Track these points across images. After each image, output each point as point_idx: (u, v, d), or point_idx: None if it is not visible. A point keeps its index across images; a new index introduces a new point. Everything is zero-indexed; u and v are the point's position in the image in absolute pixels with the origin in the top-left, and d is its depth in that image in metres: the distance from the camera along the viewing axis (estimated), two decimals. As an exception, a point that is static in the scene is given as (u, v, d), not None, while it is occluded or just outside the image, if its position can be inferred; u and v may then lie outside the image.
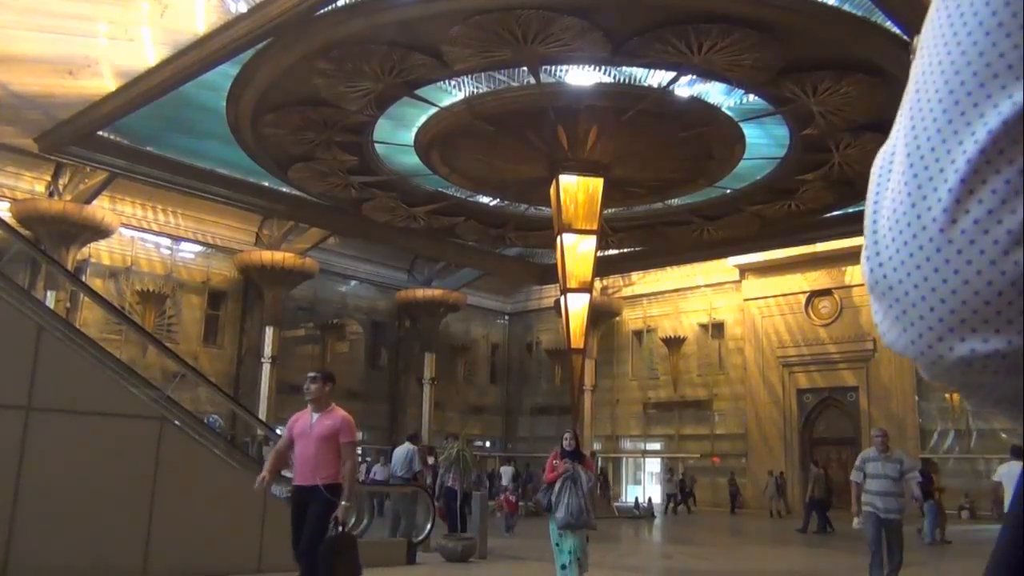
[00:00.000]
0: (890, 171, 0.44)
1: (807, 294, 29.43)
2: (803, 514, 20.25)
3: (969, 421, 25.84)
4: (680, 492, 26.97)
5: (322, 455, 5.84)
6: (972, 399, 0.48)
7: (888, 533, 8.08)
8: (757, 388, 30.10)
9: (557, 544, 7.84)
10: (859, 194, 20.02)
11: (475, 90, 16.20)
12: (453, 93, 16.33)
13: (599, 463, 26.75)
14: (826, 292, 29.13)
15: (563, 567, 7.77)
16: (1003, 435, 25.42)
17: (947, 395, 26.43)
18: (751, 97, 15.84)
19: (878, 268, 0.42)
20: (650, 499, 27.68)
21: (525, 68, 15.16)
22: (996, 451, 25.59)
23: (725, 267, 30.82)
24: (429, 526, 11.57)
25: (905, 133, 0.42)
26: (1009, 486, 10.63)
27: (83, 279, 24.06)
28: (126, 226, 25.88)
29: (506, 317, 39.17)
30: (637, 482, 33.00)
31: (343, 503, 5.77)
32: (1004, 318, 0.38)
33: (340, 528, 5.74)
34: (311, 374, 6.31)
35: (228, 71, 15.05)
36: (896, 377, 27.19)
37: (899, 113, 0.44)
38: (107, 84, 15.96)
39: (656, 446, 32.83)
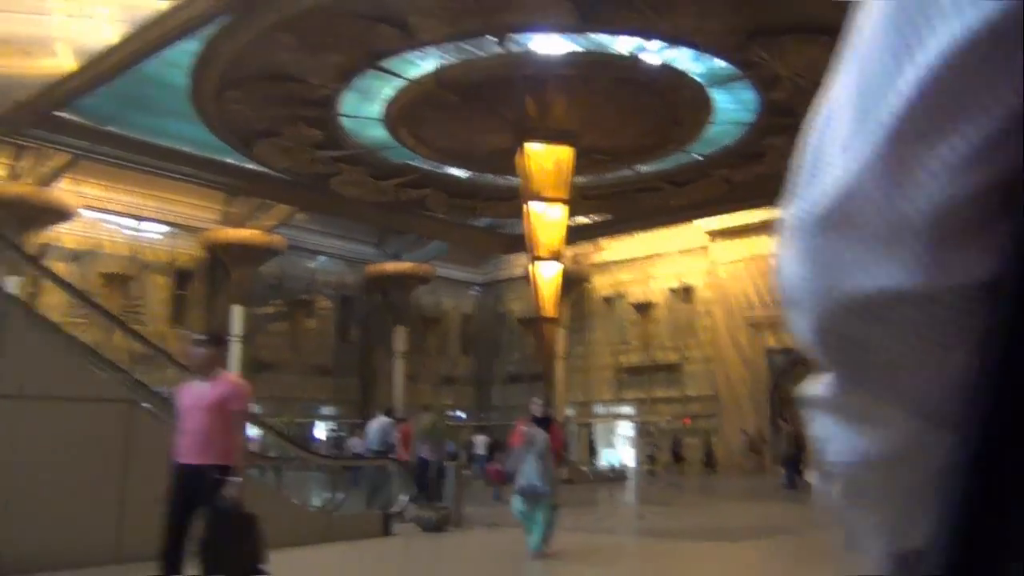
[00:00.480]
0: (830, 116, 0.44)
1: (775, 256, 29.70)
2: (788, 471, 20.47)
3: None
4: (673, 454, 26.52)
5: (213, 429, 5.12)
6: (847, 375, 0.46)
7: None
8: (727, 350, 30.47)
9: (521, 511, 7.62)
10: (825, 156, 20.23)
11: (442, 61, 16.03)
12: (420, 65, 16.14)
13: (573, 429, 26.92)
14: (793, 254, 29.43)
15: (528, 531, 7.62)
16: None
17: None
18: (719, 62, 15.85)
19: (816, 201, 0.43)
20: (623, 462, 28.03)
21: (492, 38, 15.02)
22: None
23: (694, 231, 31.00)
24: (404, 498, 11.62)
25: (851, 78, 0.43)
26: None
27: (45, 263, 23.63)
28: (88, 208, 25.40)
29: (477, 288, 39.16)
30: (610, 446, 33.36)
31: (233, 479, 5.07)
32: (914, 250, 0.37)
33: (226, 512, 5.03)
34: (195, 337, 5.64)
35: (189, 47, 14.74)
36: (863, 335, 27.66)
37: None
38: (65, 63, 15.56)
39: (629, 410, 33.16)
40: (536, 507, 7.51)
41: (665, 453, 29.07)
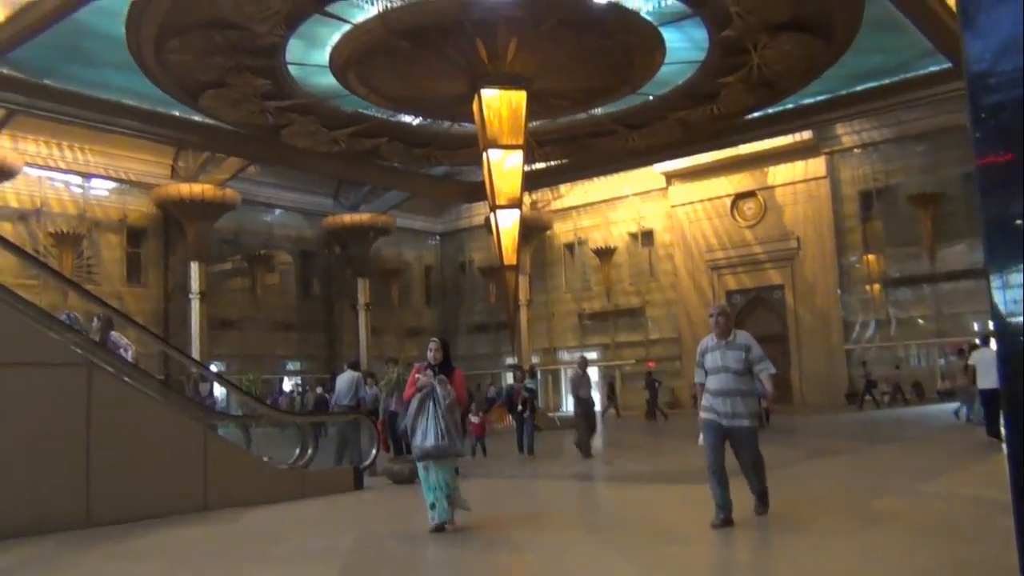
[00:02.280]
0: None
1: (732, 197, 29.94)
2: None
3: (888, 311, 26.93)
4: (651, 396, 25.16)
5: None
6: None
7: (735, 445, 6.35)
8: (688, 293, 30.78)
9: (424, 479, 6.58)
10: (778, 95, 20.27)
11: (388, 4, 15.64)
12: (366, 8, 15.74)
13: (538, 376, 26.91)
14: (750, 194, 29.69)
15: (432, 506, 6.49)
16: (920, 322, 26.63)
17: (867, 287, 27.45)
18: (669, 0, 15.67)
19: None
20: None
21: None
22: (915, 338, 26.85)
23: (652, 174, 31.06)
24: (374, 451, 11.66)
25: None
26: (982, 369, 11.61)
27: (-9, 225, 23.01)
28: (31, 165, 24.69)
29: (437, 238, 38.98)
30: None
31: None
32: None
33: None
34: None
35: (125, -5, 14.22)
36: (820, 273, 28.09)
37: None
38: (-6, 15, 14.94)
39: (593, 355, 33.51)
40: (432, 470, 6.48)
41: (636, 396, 29.25)
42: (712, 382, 6.36)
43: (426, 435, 6.41)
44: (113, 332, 10.13)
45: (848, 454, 12.62)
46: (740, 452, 6.38)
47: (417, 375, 6.63)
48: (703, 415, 6.38)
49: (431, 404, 6.47)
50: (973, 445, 12.19)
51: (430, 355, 6.73)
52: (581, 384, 14.34)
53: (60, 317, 9.39)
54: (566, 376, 34.77)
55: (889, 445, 14.12)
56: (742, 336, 6.43)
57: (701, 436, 6.39)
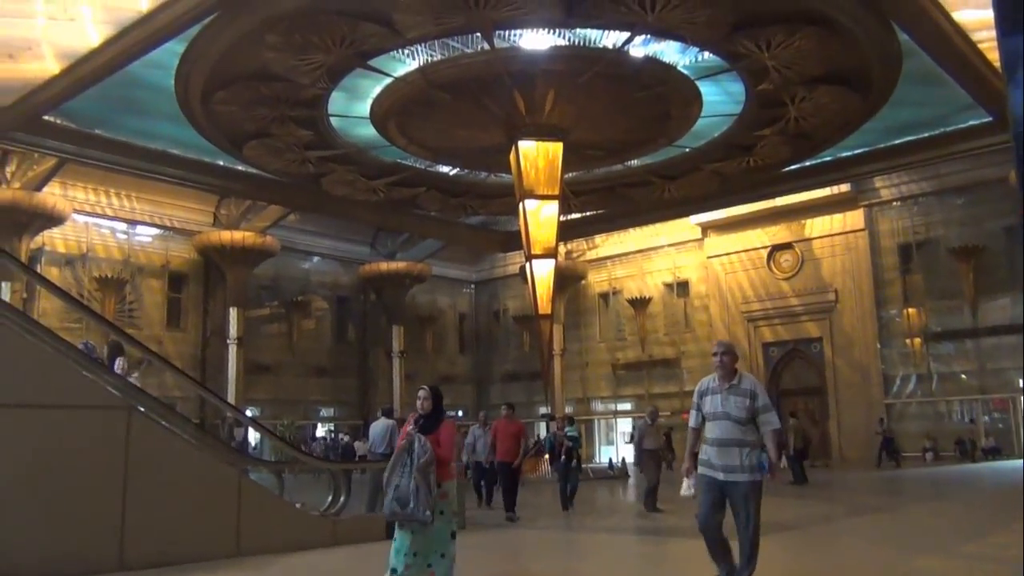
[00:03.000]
0: None
1: (768, 248, 29.76)
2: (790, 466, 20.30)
3: (930, 365, 26.41)
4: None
5: None
6: None
7: (734, 504, 5.54)
8: (723, 344, 30.44)
9: (394, 542, 5.79)
10: (816, 148, 20.23)
11: (429, 58, 15.97)
12: (407, 62, 16.08)
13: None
14: (787, 246, 29.49)
15: (392, 571, 5.64)
16: (963, 377, 26.07)
17: (908, 341, 26.98)
18: (706, 55, 15.81)
19: None
20: (623, 459, 27.96)
21: (479, 34, 14.97)
22: (957, 393, 26.26)
23: (687, 226, 31.02)
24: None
25: None
26: None
27: (38, 268, 23.59)
28: (79, 212, 25.37)
29: (472, 286, 39.14)
30: (610, 443, 33.33)
31: None
32: None
33: None
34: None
35: (175, 48, 14.66)
36: (858, 326, 27.69)
37: None
38: (50, 66, 15.47)
39: (627, 406, 33.17)
40: (401, 534, 5.72)
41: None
42: (710, 429, 5.69)
43: (395, 494, 5.67)
44: (119, 358, 10.38)
45: (888, 511, 12.31)
46: (738, 512, 5.54)
47: (409, 428, 5.98)
48: (700, 469, 5.70)
49: (406, 459, 5.76)
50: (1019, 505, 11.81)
51: (418, 404, 6.04)
52: (648, 434, 13.72)
53: (79, 346, 9.58)
54: (599, 427, 34.44)
55: (931, 503, 13.74)
56: (748, 380, 5.73)
57: (685, 485, 5.81)
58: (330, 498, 10.55)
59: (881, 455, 24.04)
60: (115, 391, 8.37)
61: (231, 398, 25.34)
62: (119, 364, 10.20)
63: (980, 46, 14.86)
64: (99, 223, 26.63)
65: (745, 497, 5.48)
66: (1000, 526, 9.84)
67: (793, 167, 22.04)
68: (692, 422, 5.88)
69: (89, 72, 15.18)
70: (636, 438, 14.13)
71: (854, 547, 8.57)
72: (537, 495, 15.58)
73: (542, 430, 31.65)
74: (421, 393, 6.10)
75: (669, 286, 32.54)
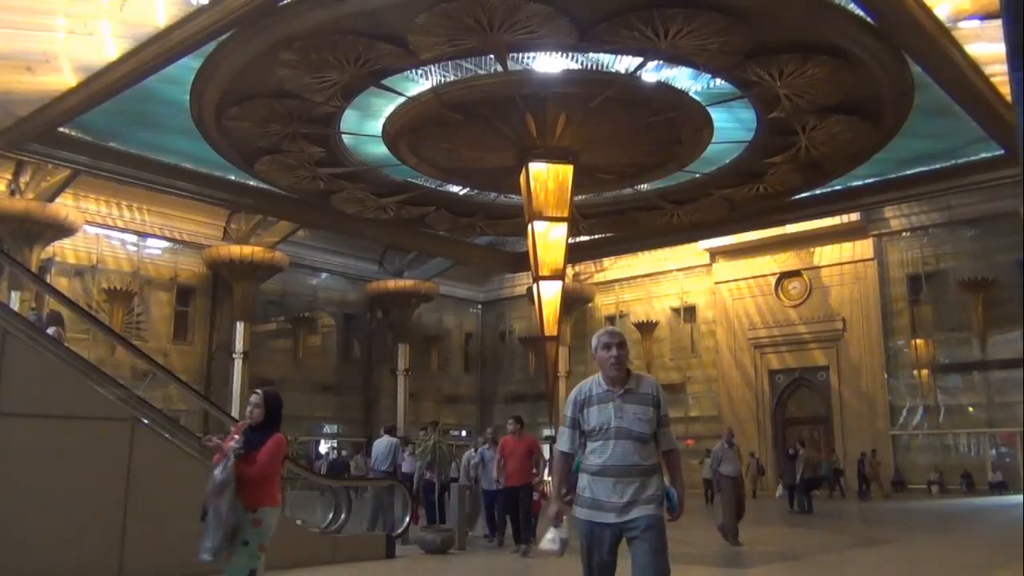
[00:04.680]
0: None
1: (777, 276, 29.72)
2: (799, 495, 20.18)
3: (937, 397, 26.24)
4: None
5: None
6: None
7: (635, 548, 3.92)
8: (729, 370, 30.36)
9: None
10: (826, 176, 20.24)
11: (442, 79, 16.06)
12: (420, 82, 16.18)
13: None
14: (795, 273, 29.45)
15: None
16: (970, 410, 25.89)
17: (915, 372, 26.84)
18: (718, 81, 15.87)
19: None
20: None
21: (492, 56, 15.07)
22: (964, 426, 26.08)
23: (696, 251, 31.02)
24: (407, 519, 11.55)
25: None
26: None
27: (48, 278, 23.69)
28: (91, 223, 25.51)
29: (479, 306, 39.15)
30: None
31: None
32: None
33: None
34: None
35: (190, 64, 14.81)
36: (865, 356, 27.56)
37: None
38: (67, 79, 15.64)
39: (631, 430, 33.04)
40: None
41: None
42: (596, 453, 4.00)
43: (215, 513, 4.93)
44: (53, 327, 10.62)
45: (895, 544, 12.18)
46: (640, 559, 3.87)
47: (234, 438, 5.08)
48: (580, 512, 4.01)
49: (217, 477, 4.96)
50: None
51: (248, 411, 5.15)
52: (726, 458, 12.48)
53: (28, 316, 9.78)
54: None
55: (939, 536, 13.61)
56: (648, 382, 4.18)
57: (551, 536, 4.12)
58: (331, 515, 10.53)
59: (835, 489, 24.45)
60: (121, 403, 8.38)
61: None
62: (53, 331, 10.39)
63: (993, 80, 14.89)
64: (110, 235, 26.77)
65: (653, 538, 3.87)
66: (1008, 561, 9.73)
67: (803, 195, 22.04)
68: (565, 444, 4.16)
69: (105, 86, 15.33)
70: (713, 462, 12.84)
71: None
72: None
73: (546, 451, 31.53)
74: (253, 399, 5.17)
75: (676, 311, 32.49)
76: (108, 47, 14.67)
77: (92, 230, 25.86)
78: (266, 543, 5.18)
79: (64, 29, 14.34)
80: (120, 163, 19.61)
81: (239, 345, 27.59)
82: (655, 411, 4.10)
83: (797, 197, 22.14)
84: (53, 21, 14.08)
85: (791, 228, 27.36)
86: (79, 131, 18.18)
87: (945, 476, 25.11)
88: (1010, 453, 25.21)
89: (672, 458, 4.27)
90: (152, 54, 14.26)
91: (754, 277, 30.28)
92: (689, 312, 32.22)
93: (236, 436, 5.13)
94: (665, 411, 4.18)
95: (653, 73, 15.90)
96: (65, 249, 25.35)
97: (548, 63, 15.85)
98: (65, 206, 23.47)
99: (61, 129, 17.70)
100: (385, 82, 15.67)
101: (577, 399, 4.16)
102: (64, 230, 23.56)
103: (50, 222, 22.78)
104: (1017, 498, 21.70)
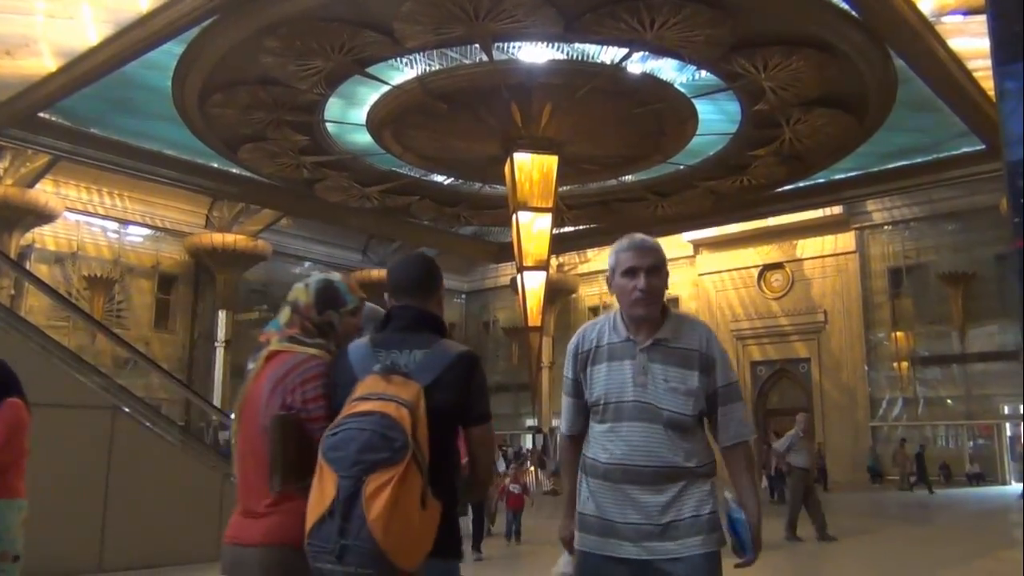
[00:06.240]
0: None
1: (759, 268, 29.87)
2: (776, 486, 20.35)
3: (917, 389, 26.50)
4: None
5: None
6: None
7: None
8: (712, 361, 30.51)
9: None
10: (809, 169, 20.34)
11: (427, 68, 16.00)
12: (405, 71, 16.10)
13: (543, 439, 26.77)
14: (778, 266, 29.61)
15: None
16: (949, 402, 26.16)
17: (895, 364, 27.08)
18: (703, 73, 15.89)
19: None
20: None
21: (477, 45, 15.02)
22: (943, 418, 26.36)
23: (679, 242, 31.08)
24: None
25: None
26: None
27: (27, 265, 23.46)
28: (71, 210, 25.25)
29: (463, 296, 39.13)
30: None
31: None
32: None
33: None
34: None
35: (173, 50, 14.64)
36: (847, 348, 27.78)
37: None
38: (47, 64, 15.43)
39: (614, 421, 33.17)
40: None
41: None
42: (603, 444, 2.58)
43: None
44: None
45: (873, 534, 12.31)
46: None
47: None
48: (582, 539, 2.60)
49: None
50: (1004, 530, 11.85)
51: None
52: (797, 447, 11.51)
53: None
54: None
55: (918, 527, 13.76)
56: (696, 330, 2.65)
57: (563, 563, 2.78)
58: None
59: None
60: (101, 391, 8.33)
61: (217, 401, 25.21)
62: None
63: (975, 75, 14.99)
64: (90, 222, 26.51)
65: None
66: (985, 551, 9.87)
67: (786, 188, 22.15)
68: (566, 425, 2.79)
69: (86, 71, 15.14)
70: (782, 451, 11.96)
71: (842, 570, 8.57)
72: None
73: (527, 442, 31.66)
74: None
75: (660, 302, 32.56)
76: (89, 31, 14.48)
77: (73, 217, 25.60)
78: (12, 550, 4.06)
79: (44, 13, 14.15)
80: (101, 149, 19.40)
81: (221, 334, 27.45)
82: (705, 378, 2.54)
83: (780, 190, 22.25)
84: (33, 4, 13.89)
85: (774, 221, 27.49)
86: (59, 116, 17.97)
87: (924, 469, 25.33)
88: (987, 445, 25.51)
89: (738, 457, 2.60)
90: (134, 39, 14.10)
91: (737, 269, 30.43)
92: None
93: None
94: (728, 378, 2.59)
95: (639, 64, 15.90)
96: (45, 236, 25.09)
97: (534, 53, 15.81)
98: (45, 192, 23.22)
99: (41, 114, 17.48)
100: (370, 70, 15.59)
101: (579, 350, 2.69)
102: (44, 217, 23.31)
103: (30, 208, 22.54)
104: (995, 489, 21.98)
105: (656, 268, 2.65)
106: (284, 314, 2.49)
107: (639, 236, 2.77)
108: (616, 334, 2.65)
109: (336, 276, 2.59)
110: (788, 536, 10.94)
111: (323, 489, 1.97)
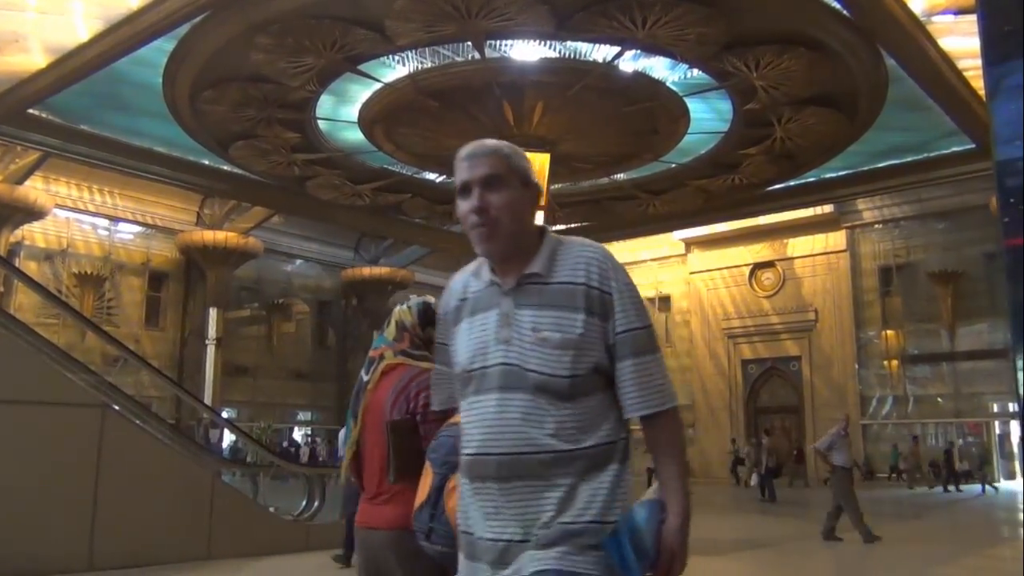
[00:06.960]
0: None
1: (751, 266, 29.95)
2: (767, 483, 20.50)
3: (906, 387, 26.61)
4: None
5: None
6: None
7: None
8: (703, 360, 30.60)
9: None
10: (800, 168, 20.39)
11: (419, 65, 15.97)
12: (397, 68, 16.08)
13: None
14: (769, 264, 29.70)
15: None
16: (939, 400, 26.28)
17: (885, 362, 27.19)
18: (695, 72, 15.90)
19: None
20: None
21: (470, 43, 15.00)
22: (932, 416, 26.48)
23: (671, 241, 31.18)
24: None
25: None
26: None
27: (16, 262, 23.35)
28: (61, 207, 25.14)
29: (454, 294, 39.13)
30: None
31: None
32: None
33: None
34: None
35: (164, 46, 14.58)
36: (837, 346, 27.88)
37: None
38: (36, 60, 15.35)
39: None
40: None
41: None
42: (467, 430, 1.91)
43: None
44: None
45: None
46: None
47: None
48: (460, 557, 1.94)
49: None
50: (993, 525, 11.90)
51: None
52: (839, 446, 11.30)
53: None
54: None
55: (907, 523, 13.81)
56: (579, 255, 2.00)
57: (651, 493, 1.89)
58: (304, 503, 10.50)
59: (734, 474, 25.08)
60: (90, 388, 8.30)
61: (208, 399, 25.14)
62: None
63: (966, 74, 15.05)
64: (80, 219, 26.41)
65: None
66: (973, 548, 9.91)
67: (777, 187, 22.19)
68: (435, 400, 2.26)
69: (76, 67, 15.05)
70: (823, 449, 11.67)
71: (825, 568, 8.60)
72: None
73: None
74: None
75: (651, 300, 32.61)
76: (79, 27, 14.41)
77: (62, 214, 25.49)
78: None
79: (35, 9, 14.08)
80: (91, 146, 19.29)
81: (212, 331, 27.38)
82: (598, 321, 1.87)
83: (772, 188, 22.29)
84: (24, 0, 13.81)
85: (765, 219, 27.57)
86: (49, 113, 17.86)
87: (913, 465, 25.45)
88: (977, 443, 25.63)
89: (657, 432, 1.97)
90: (124, 35, 14.02)
91: (728, 268, 30.51)
92: (664, 302, 32.39)
93: None
94: (633, 321, 1.93)
95: (631, 63, 15.90)
96: (35, 233, 24.97)
97: (526, 51, 15.80)
98: (35, 189, 23.11)
99: (31, 111, 17.37)
100: (361, 68, 15.55)
101: (446, 310, 2.09)
102: (33, 213, 23.20)
103: (19, 205, 22.44)
104: (981, 487, 22.07)
105: (495, 178, 1.93)
106: (390, 331, 2.99)
107: (480, 141, 2.05)
108: (479, 280, 1.99)
109: (432, 299, 2.98)
110: (865, 539, 10.54)
111: (426, 481, 2.35)
